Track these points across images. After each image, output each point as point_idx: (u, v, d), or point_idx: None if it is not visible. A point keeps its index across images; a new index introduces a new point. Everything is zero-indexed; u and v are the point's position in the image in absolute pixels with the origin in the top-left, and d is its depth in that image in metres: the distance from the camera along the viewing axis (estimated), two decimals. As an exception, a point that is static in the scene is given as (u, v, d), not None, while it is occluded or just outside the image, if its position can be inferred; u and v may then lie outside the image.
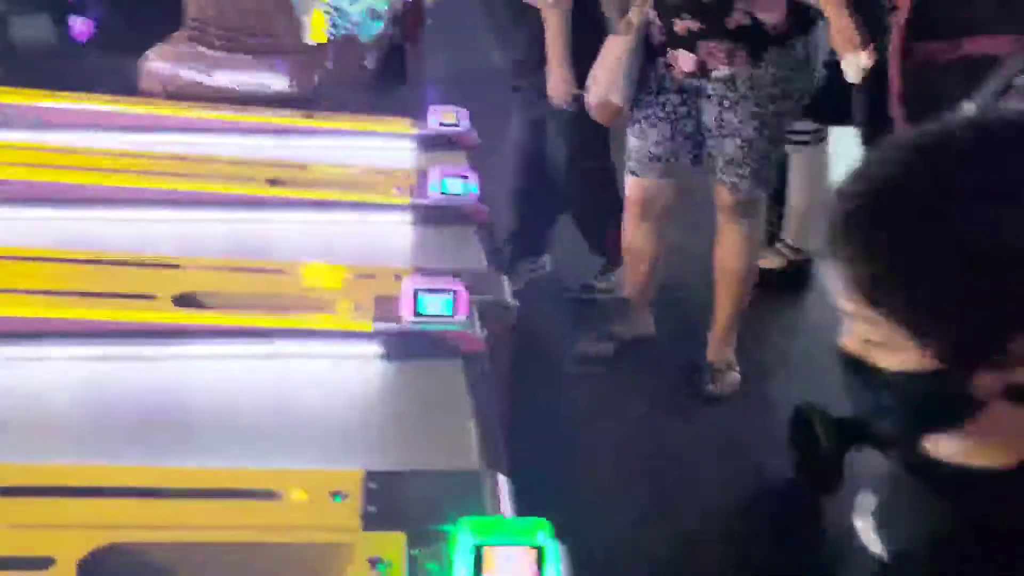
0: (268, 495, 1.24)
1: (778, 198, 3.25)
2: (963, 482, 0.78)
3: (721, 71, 2.49)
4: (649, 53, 2.59)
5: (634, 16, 2.58)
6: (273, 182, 2.13)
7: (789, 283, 3.23)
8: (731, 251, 2.68)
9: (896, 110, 2.08)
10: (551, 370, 2.71)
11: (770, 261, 3.25)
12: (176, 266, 1.80)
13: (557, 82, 2.95)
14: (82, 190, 2.08)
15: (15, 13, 5.10)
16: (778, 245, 3.28)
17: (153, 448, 1.38)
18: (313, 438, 1.44)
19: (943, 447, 0.80)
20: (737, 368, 2.72)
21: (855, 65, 2.42)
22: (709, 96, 2.54)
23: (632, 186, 2.75)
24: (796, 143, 3.03)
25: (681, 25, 2.49)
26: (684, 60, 2.53)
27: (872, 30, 2.39)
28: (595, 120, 2.72)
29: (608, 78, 2.60)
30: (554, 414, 2.53)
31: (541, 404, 2.48)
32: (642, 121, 2.64)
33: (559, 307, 3.13)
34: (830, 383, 2.51)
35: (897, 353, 0.78)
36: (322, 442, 1.43)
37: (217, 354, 1.60)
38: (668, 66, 2.57)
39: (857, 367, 0.80)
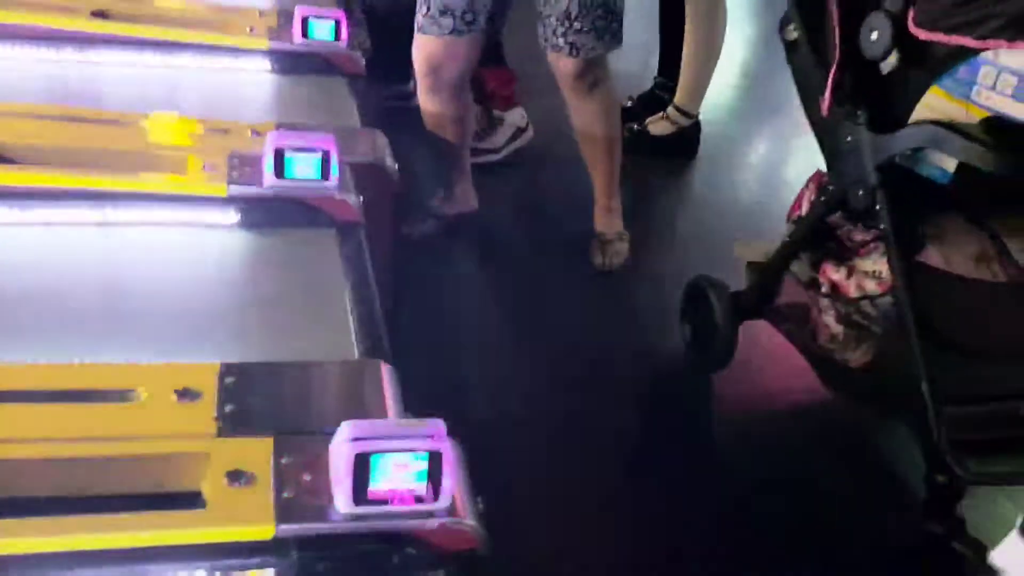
0: (100, 396, 1.02)
1: (670, 59, 3.08)
2: None
3: None
4: None
5: None
6: (99, 15, 1.79)
7: (679, 149, 3.10)
8: (590, 121, 2.45)
9: None
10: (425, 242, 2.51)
11: (660, 127, 3.11)
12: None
13: None
14: None
15: None
16: (669, 110, 3.12)
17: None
18: (156, 325, 1.21)
19: None
20: (626, 239, 2.59)
21: None
22: None
23: (418, 47, 2.41)
24: None
25: None
26: None
27: None
28: None
29: None
30: (437, 293, 2.35)
31: (421, 280, 2.29)
32: None
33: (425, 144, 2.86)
34: (720, 255, 2.43)
35: None
36: (168, 330, 1.20)
37: (37, 220, 1.32)
38: None
39: None
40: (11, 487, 0.91)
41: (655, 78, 3.20)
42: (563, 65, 2.36)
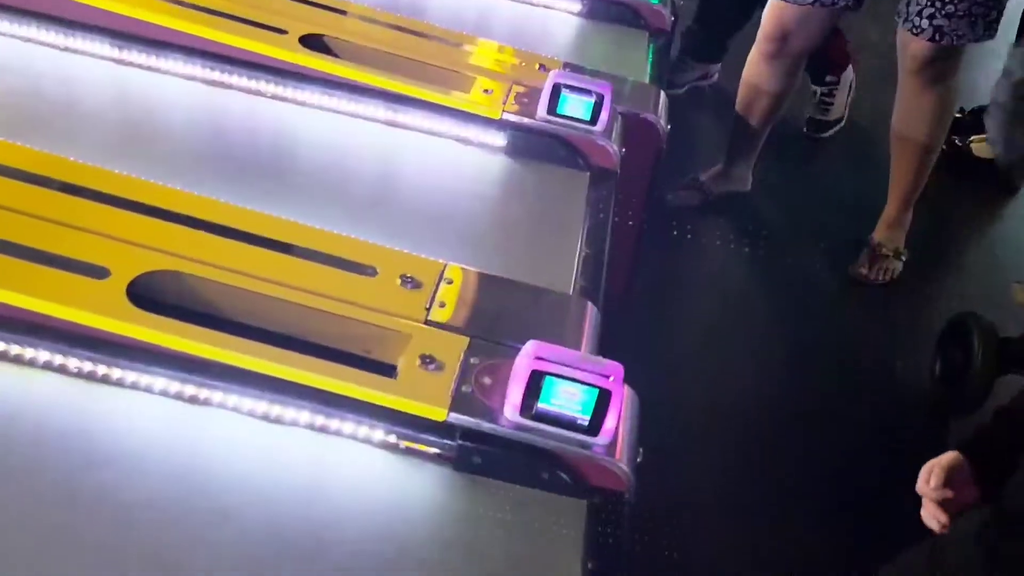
0: (337, 262, 1.16)
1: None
2: None
3: None
4: None
5: None
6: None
7: (999, 178, 2.81)
8: (914, 119, 2.24)
9: None
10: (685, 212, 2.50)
11: (985, 149, 2.84)
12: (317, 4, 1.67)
13: None
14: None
15: None
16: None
17: (245, 187, 1.31)
18: (408, 218, 1.34)
19: None
20: (904, 257, 2.43)
21: None
22: None
23: (772, 9, 2.29)
24: None
25: None
26: None
27: None
28: None
29: None
30: (678, 264, 2.36)
31: (670, 246, 2.31)
32: None
33: (718, 126, 2.83)
34: (1001, 297, 2.23)
35: None
36: (416, 224, 1.33)
37: (333, 106, 1.49)
38: None
39: None
40: (242, 313, 1.07)
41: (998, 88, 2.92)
42: (915, 47, 2.14)
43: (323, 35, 1.59)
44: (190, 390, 0.99)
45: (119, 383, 1.00)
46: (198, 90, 1.47)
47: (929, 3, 2.08)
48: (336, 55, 1.57)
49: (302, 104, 1.49)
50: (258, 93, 1.49)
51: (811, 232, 2.55)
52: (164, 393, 0.99)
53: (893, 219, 2.47)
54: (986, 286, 2.42)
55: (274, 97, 1.48)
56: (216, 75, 1.48)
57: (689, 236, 2.45)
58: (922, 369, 2.08)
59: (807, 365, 2.12)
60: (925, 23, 2.10)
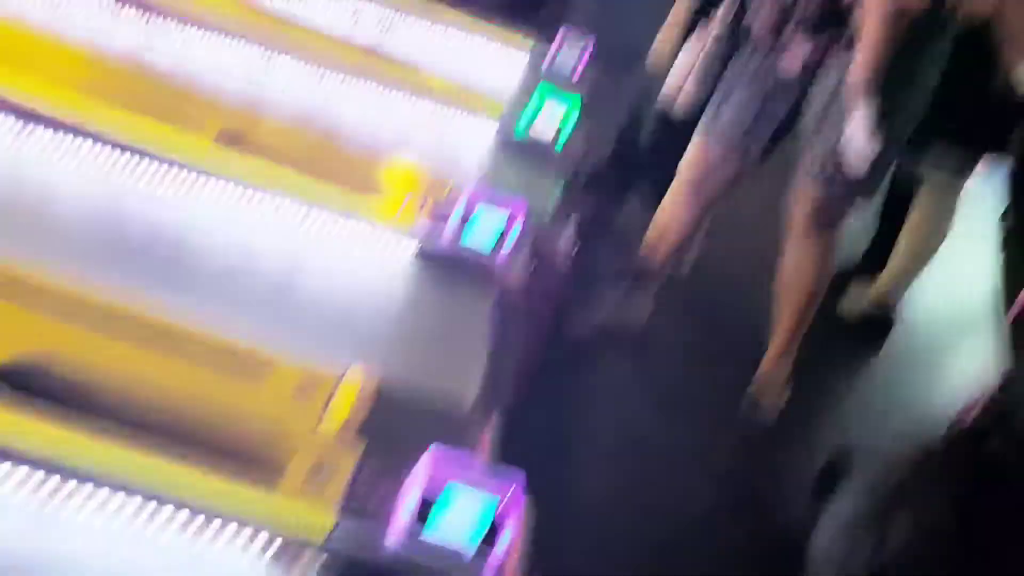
0: (230, 364, 1.13)
1: (889, 237, 3.00)
2: None
3: (832, 67, 2.22)
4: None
5: (719, 15, 2.34)
6: (365, 55, 2.01)
7: (865, 333, 2.98)
8: (803, 261, 2.40)
9: None
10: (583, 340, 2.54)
11: (854, 302, 3.01)
12: (233, 103, 1.68)
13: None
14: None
15: None
16: (872, 287, 3.02)
17: (143, 282, 1.27)
18: (312, 322, 1.33)
19: None
20: (786, 397, 2.52)
21: (855, 121, 2.12)
22: (818, 82, 2.26)
23: (696, 147, 2.45)
24: (931, 166, 2.76)
25: (795, 13, 2.22)
26: (794, 54, 2.24)
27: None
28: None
29: (676, 82, 2.40)
30: (572, 387, 2.38)
31: (569, 366, 2.34)
32: (733, 85, 2.35)
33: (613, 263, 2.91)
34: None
35: None
36: (319, 329, 1.32)
37: (244, 206, 1.49)
38: (774, 56, 2.30)
39: None
40: (127, 408, 1.02)
41: (864, 255, 3.13)
42: (809, 197, 2.33)
43: (240, 133, 1.59)
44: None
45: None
46: (105, 178, 1.45)
47: (822, 164, 2.25)
48: (252, 154, 1.57)
49: (212, 201, 1.47)
50: (167, 186, 1.47)
51: (702, 367, 2.62)
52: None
53: (777, 357, 2.57)
54: (864, 417, 2.53)
55: (184, 191, 1.47)
56: (125, 163, 1.46)
57: (587, 359, 2.49)
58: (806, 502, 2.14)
59: (701, 490, 2.16)
60: (819, 178, 2.26)
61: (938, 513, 1.67)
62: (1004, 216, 1.66)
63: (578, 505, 2.00)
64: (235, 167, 1.50)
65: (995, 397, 1.69)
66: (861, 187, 2.30)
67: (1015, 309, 1.67)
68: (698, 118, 2.47)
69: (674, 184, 2.52)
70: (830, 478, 2.09)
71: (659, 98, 2.46)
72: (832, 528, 1.92)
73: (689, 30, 2.51)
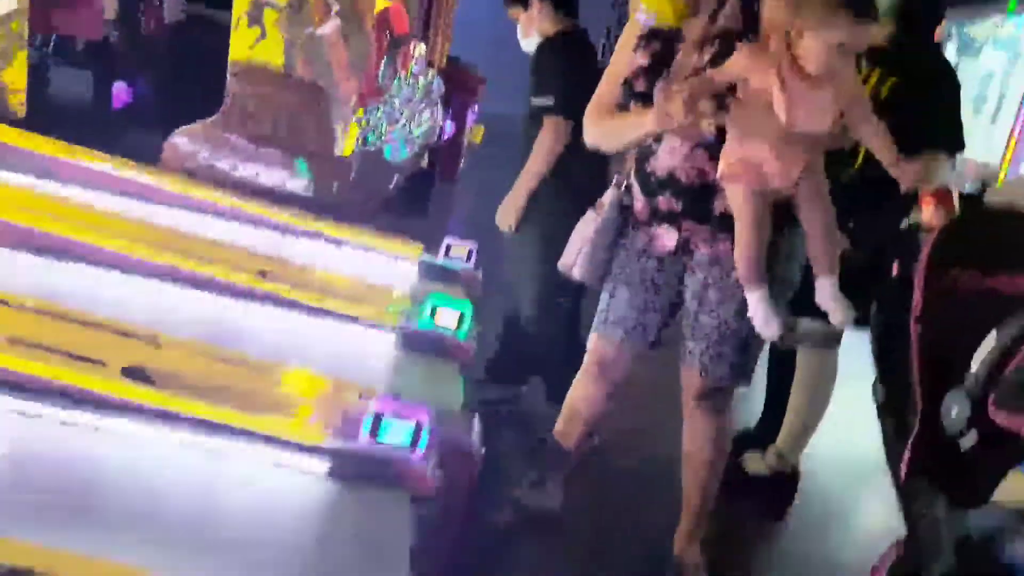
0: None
1: (780, 399, 3.16)
2: None
3: (703, 252, 2.44)
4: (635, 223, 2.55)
5: (606, 197, 2.56)
6: (263, 274, 2.08)
7: (771, 494, 3.08)
8: (699, 441, 2.53)
9: (913, 328, 2.00)
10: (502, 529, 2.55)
11: (756, 465, 3.13)
12: (136, 336, 1.71)
13: (507, 207, 3.15)
14: (72, 244, 2.03)
15: (58, 64, 5.16)
16: (768, 452, 3.15)
17: (59, 523, 1.25)
18: (235, 548, 1.32)
19: None
20: (703, 570, 2.56)
21: (825, 288, 2.34)
22: (692, 271, 2.45)
23: (593, 342, 2.60)
24: (806, 343, 2.96)
25: (664, 203, 2.45)
26: (667, 237, 2.47)
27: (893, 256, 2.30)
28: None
29: (574, 250, 2.59)
30: (499, 569, 2.37)
31: (490, 562, 2.33)
32: (618, 281, 2.53)
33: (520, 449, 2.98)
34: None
35: None
36: (243, 554, 1.31)
37: (153, 436, 1.49)
38: (651, 239, 2.52)
39: None
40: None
41: (761, 415, 3.27)
42: (694, 382, 2.48)
43: (143, 366, 1.61)
44: None
45: None
46: (8, 421, 1.44)
47: (701, 351, 2.41)
48: (156, 385, 1.58)
49: (121, 435, 1.47)
50: (75, 424, 1.47)
51: (619, 550, 2.65)
52: None
53: (689, 533, 2.62)
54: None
55: (93, 428, 1.47)
56: (29, 406, 1.46)
57: (505, 551, 2.48)
58: None
59: None
60: (698, 363, 2.43)
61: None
62: (874, 388, 1.79)
63: None
64: (140, 400, 1.52)
65: (900, 556, 1.76)
66: (739, 371, 2.46)
67: (903, 473, 1.77)
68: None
69: (582, 366, 2.63)
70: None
71: (559, 265, 2.61)
72: None
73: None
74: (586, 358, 2.61)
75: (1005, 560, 1.60)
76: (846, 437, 3.37)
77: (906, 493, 1.76)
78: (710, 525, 2.60)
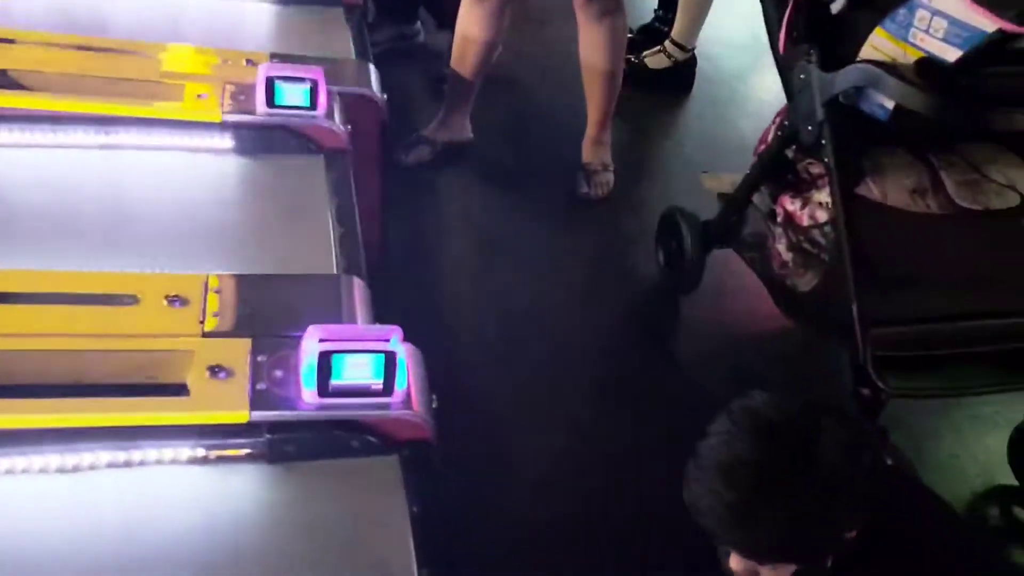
0: (100, 299, 1.15)
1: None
2: None
3: None
4: None
5: None
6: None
7: (674, 83, 3.15)
8: (595, 50, 2.52)
9: None
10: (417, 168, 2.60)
11: (656, 60, 3.16)
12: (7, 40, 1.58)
13: None
14: None
15: None
16: (666, 44, 3.17)
17: None
18: (152, 240, 1.34)
19: None
20: (612, 168, 2.67)
21: None
22: None
23: None
24: None
25: None
26: None
27: None
28: None
29: None
30: (425, 218, 2.46)
31: (410, 205, 2.40)
32: None
33: (424, 88, 2.94)
34: (700, 188, 2.50)
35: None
36: (162, 244, 1.33)
37: (44, 143, 1.44)
38: None
39: None
40: (17, 375, 1.05)
41: (655, 11, 3.25)
42: None
43: (9, 70, 1.52)
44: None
45: None
46: None
47: None
48: (30, 88, 1.50)
49: (7, 146, 1.42)
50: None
51: (534, 165, 2.73)
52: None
53: (595, 138, 2.70)
54: (683, 180, 2.72)
55: None
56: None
57: (428, 189, 2.56)
58: (650, 262, 2.32)
59: (559, 276, 2.33)
60: None
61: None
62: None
63: (454, 331, 2.13)
64: (20, 107, 1.44)
65: (785, 121, 1.86)
66: None
67: (781, 43, 1.82)
68: None
69: None
70: (667, 234, 2.27)
71: None
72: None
73: None
74: None
75: (865, 111, 1.70)
76: (737, 21, 3.38)
77: (785, 65, 1.83)
78: (615, 125, 2.68)
